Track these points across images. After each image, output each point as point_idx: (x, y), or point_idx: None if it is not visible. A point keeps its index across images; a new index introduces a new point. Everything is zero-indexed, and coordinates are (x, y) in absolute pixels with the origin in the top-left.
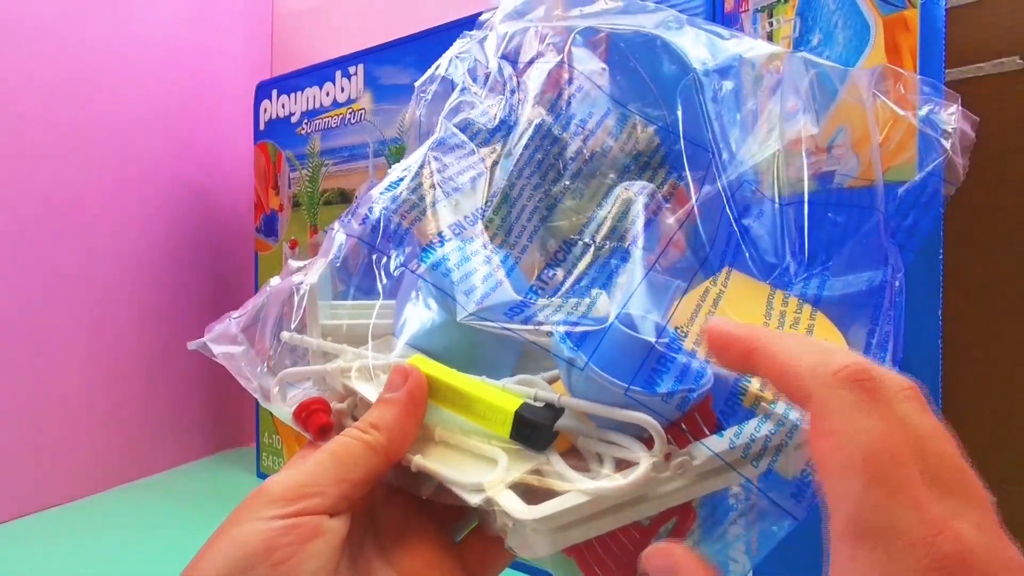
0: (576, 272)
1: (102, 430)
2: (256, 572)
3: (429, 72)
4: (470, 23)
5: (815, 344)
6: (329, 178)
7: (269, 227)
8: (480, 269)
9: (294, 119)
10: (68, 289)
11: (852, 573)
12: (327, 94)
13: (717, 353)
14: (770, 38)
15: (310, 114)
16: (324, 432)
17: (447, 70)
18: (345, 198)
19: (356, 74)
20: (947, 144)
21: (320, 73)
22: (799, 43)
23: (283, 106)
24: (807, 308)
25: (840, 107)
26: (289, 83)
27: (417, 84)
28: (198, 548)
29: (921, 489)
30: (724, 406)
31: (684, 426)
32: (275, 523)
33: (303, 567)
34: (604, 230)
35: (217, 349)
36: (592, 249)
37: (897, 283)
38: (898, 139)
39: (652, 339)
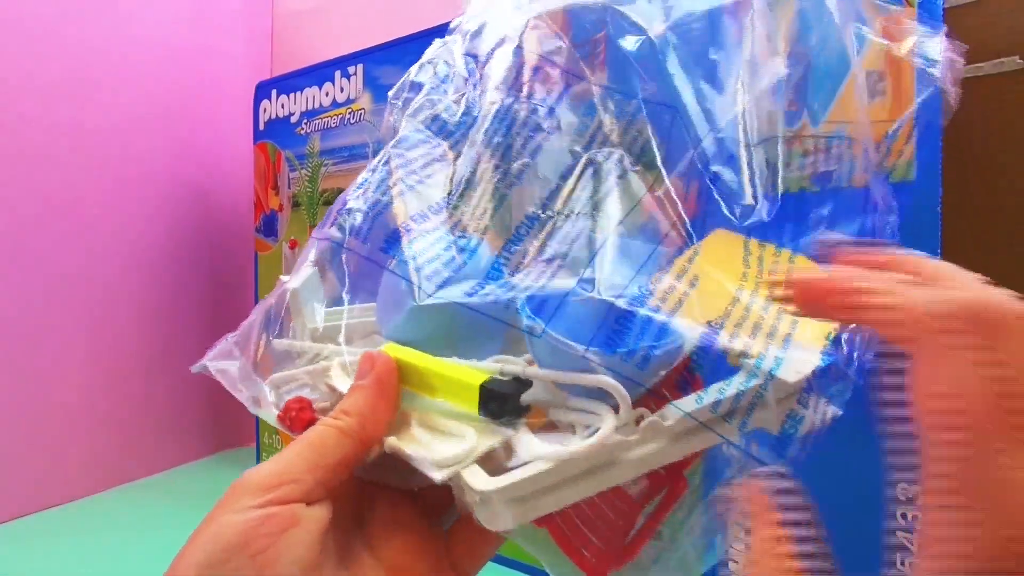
0: (537, 243)
1: (102, 430)
2: (233, 564)
3: (402, 80)
4: None
5: (921, 282)
6: (329, 178)
7: (269, 227)
8: (442, 254)
9: (294, 119)
10: (68, 289)
11: (952, 537)
12: (327, 94)
13: (814, 307)
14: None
15: (310, 114)
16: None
17: (417, 75)
18: None
19: (355, 74)
20: (936, 73)
21: (320, 73)
22: (798, 43)
23: (283, 106)
24: (785, 252)
25: (839, 106)
26: (289, 83)
27: (391, 93)
28: None
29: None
30: (713, 371)
31: (665, 391)
32: (251, 513)
33: (281, 557)
34: (570, 199)
35: (214, 367)
36: (556, 219)
37: (890, 228)
38: (898, 141)
39: (610, 299)
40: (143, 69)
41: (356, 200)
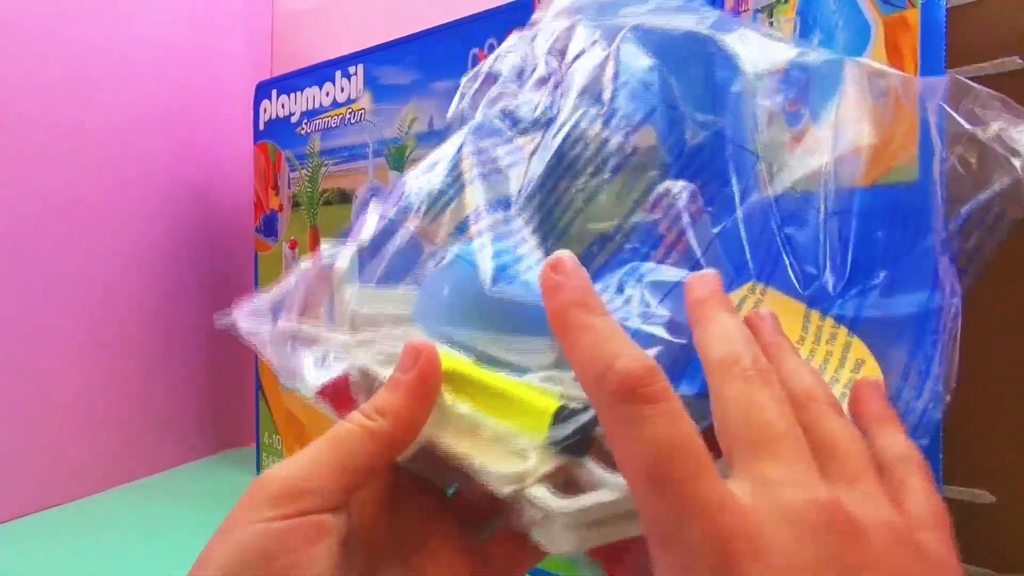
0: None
1: (102, 430)
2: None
3: (476, 69)
4: (470, 23)
5: (603, 345)
6: (329, 178)
7: (269, 227)
8: (511, 250)
9: (294, 119)
10: (68, 289)
11: None
12: (327, 94)
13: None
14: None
15: (310, 114)
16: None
17: (493, 66)
18: (345, 198)
19: (356, 74)
20: (1018, 164)
21: (320, 73)
22: (799, 43)
23: (283, 106)
24: (843, 329)
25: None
26: (289, 83)
27: (465, 79)
28: (198, 548)
29: (702, 480)
30: None
31: None
32: (274, 525)
33: (307, 572)
34: (638, 227)
35: (244, 326)
36: (623, 245)
37: (953, 309)
38: (899, 140)
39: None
40: (143, 69)
41: (422, 181)
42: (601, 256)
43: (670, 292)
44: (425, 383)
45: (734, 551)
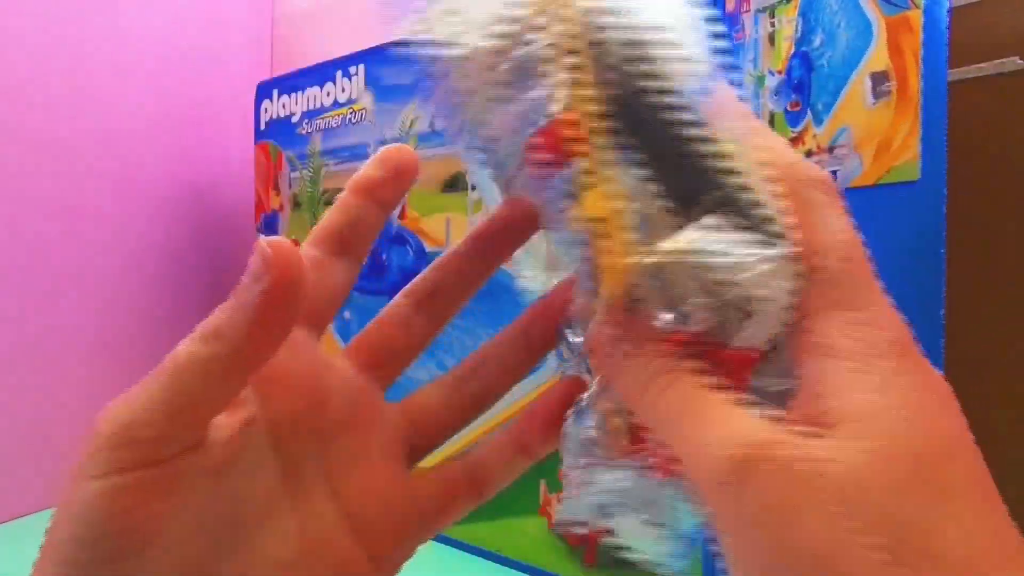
0: None
1: None
2: (104, 546)
3: None
4: None
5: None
6: (330, 178)
7: (270, 227)
8: None
9: (295, 119)
10: (68, 289)
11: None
12: (328, 94)
13: None
14: (772, 38)
15: (311, 114)
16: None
17: None
18: None
19: (357, 74)
20: None
21: (321, 73)
22: (801, 43)
23: (284, 106)
24: None
25: (842, 107)
26: (290, 83)
27: None
28: None
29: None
30: None
31: None
32: (113, 480)
33: (165, 534)
34: None
35: None
36: None
37: None
38: (901, 139)
39: None
40: (144, 70)
41: None
42: None
43: None
44: (276, 302)
45: None
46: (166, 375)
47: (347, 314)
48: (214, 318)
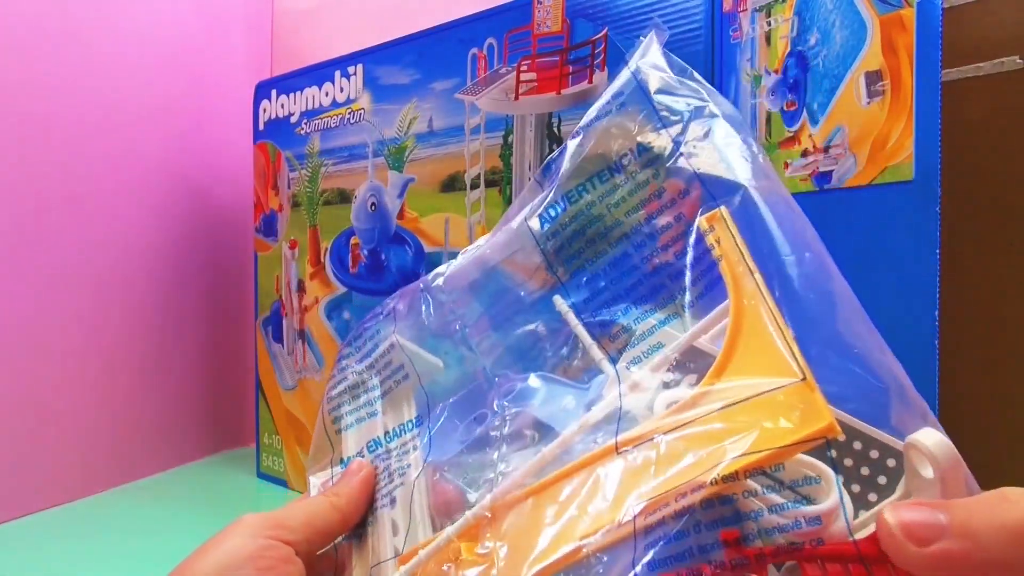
0: None
1: (102, 430)
2: (243, 572)
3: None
4: (469, 23)
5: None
6: (328, 178)
7: (268, 227)
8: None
9: (293, 119)
10: (68, 289)
11: None
12: (326, 94)
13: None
14: (768, 37)
15: (309, 114)
16: None
17: None
18: (345, 198)
19: (355, 74)
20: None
21: (319, 73)
22: (797, 42)
23: (282, 106)
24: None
25: (837, 107)
26: (288, 83)
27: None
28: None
29: None
30: None
31: None
32: (258, 540)
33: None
34: None
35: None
36: None
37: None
38: (895, 138)
39: None
40: (143, 69)
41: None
42: None
43: None
44: (366, 481)
45: None
46: (304, 503)
47: (346, 314)
48: (335, 486)
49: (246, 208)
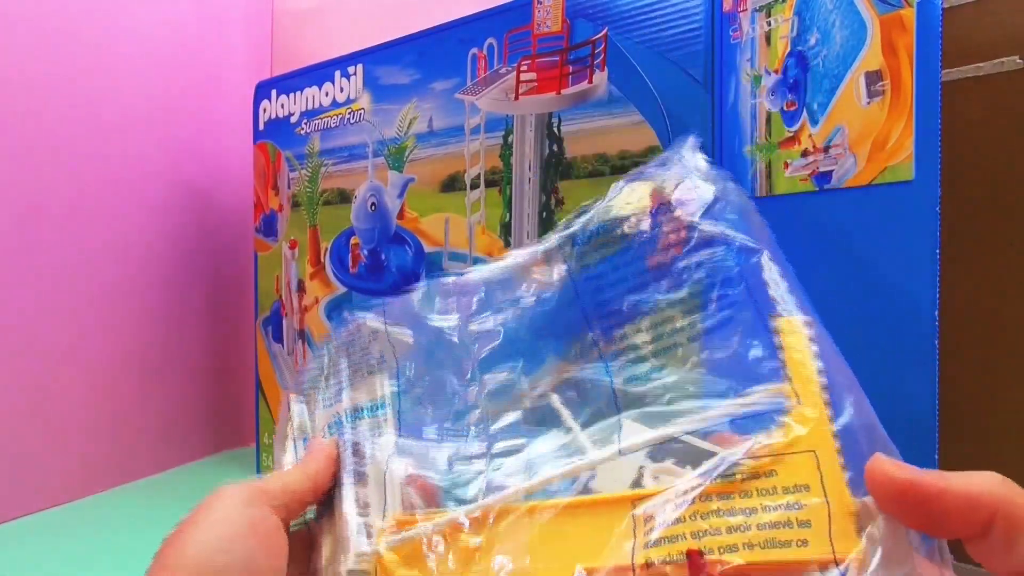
0: None
1: (102, 430)
2: (245, 544)
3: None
4: (469, 23)
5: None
6: (328, 178)
7: (268, 227)
8: None
9: (293, 119)
10: (67, 289)
11: None
12: (326, 94)
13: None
14: (768, 37)
15: (309, 114)
16: None
17: None
18: (345, 198)
19: (355, 74)
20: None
21: (319, 73)
22: (797, 42)
23: (282, 106)
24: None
25: (837, 107)
26: (288, 83)
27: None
28: None
29: None
30: None
31: None
32: (251, 510)
33: (280, 546)
34: None
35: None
36: None
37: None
38: (895, 138)
39: None
40: (143, 69)
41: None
42: None
43: None
44: (330, 457)
45: None
46: (278, 473)
47: (347, 314)
48: (306, 458)
49: (246, 208)
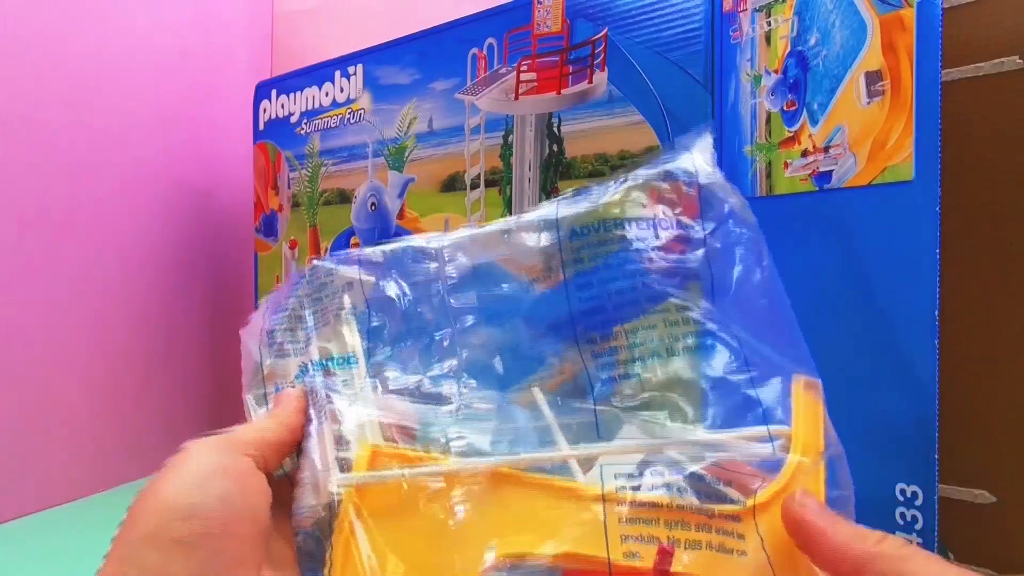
0: None
1: (102, 430)
2: (218, 482)
3: None
4: (469, 23)
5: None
6: (329, 178)
7: (269, 227)
8: None
9: (293, 119)
10: (68, 289)
11: None
12: (326, 94)
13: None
14: (768, 37)
15: (309, 114)
16: None
17: None
18: (345, 198)
19: (355, 74)
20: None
21: (319, 73)
22: (797, 42)
23: (282, 106)
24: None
25: (837, 107)
26: (288, 83)
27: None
28: None
29: None
30: None
31: None
32: (221, 455)
33: (258, 486)
34: None
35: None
36: None
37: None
38: (895, 138)
39: None
40: (143, 70)
41: None
42: None
43: None
44: (300, 402)
45: None
46: (253, 422)
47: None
48: (275, 406)
49: (246, 208)
